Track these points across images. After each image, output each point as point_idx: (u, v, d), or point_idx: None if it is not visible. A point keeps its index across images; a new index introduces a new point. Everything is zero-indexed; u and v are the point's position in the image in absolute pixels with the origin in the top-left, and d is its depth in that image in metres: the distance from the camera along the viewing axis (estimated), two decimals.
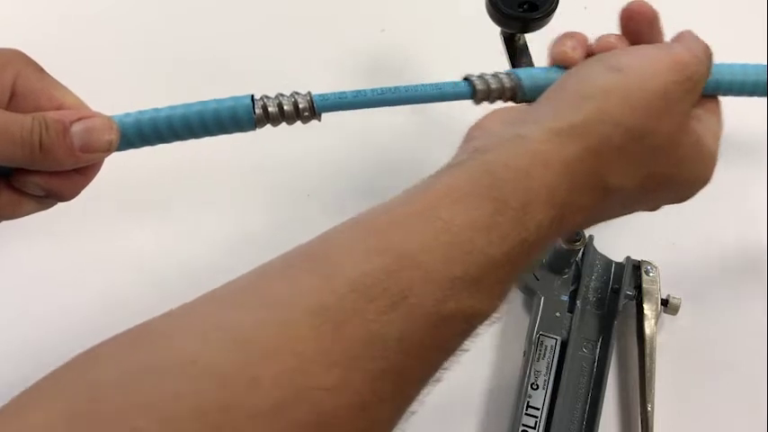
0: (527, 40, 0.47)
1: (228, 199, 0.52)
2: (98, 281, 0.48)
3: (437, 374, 0.25)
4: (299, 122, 0.32)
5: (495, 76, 0.34)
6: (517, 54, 0.47)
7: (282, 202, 0.52)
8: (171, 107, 0.31)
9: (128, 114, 0.31)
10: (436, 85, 0.34)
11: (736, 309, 0.48)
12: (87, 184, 0.31)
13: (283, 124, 0.32)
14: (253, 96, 0.32)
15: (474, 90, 0.34)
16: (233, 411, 0.21)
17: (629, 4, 0.36)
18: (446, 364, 0.25)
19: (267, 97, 0.32)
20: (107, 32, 0.60)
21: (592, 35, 0.63)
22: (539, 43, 0.47)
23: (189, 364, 0.22)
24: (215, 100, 0.32)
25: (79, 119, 0.29)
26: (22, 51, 0.31)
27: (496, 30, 0.46)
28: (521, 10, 0.44)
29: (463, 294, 0.24)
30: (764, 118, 0.56)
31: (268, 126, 0.32)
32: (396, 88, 0.33)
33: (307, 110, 0.32)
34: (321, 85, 0.57)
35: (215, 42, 0.60)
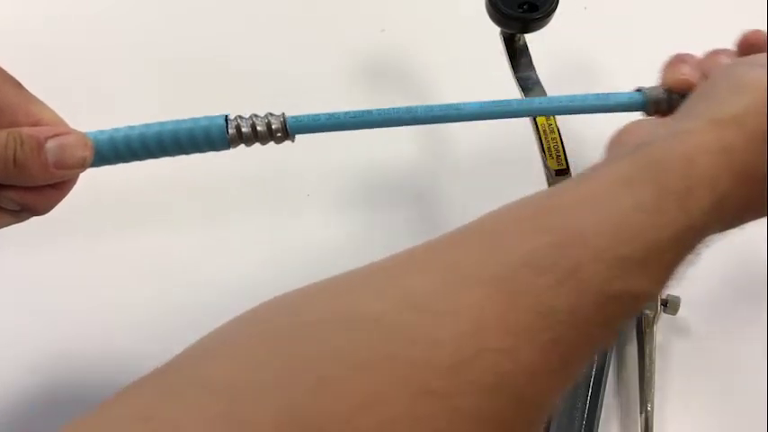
0: (527, 40, 0.47)
1: (228, 199, 0.52)
2: (100, 288, 0.48)
3: (596, 352, 0.26)
4: (272, 143, 0.33)
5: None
6: (517, 54, 0.47)
7: (282, 203, 0.52)
8: (146, 125, 0.32)
9: (102, 131, 0.32)
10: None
11: (736, 308, 0.48)
12: (62, 198, 0.32)
13: (257, 144, 0.33)
14: (227, 116, 0.32)
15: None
16: (419, 366, 0.22)
17: (747, 35, 0.38)
18: (606, 343, 0.26)
19: (241, 117, 0.32)
20: (105, 34, 0.60)
21: (592, 35, 0.63)
22: (539, 43, 0.47)
23: (374, 320, 0.23)
24: (190, 119, 0.32)
25: (54, 135, 0.30)
26: None
27: (496, 30, 0.46)
28: (521, 10, 0.44)
29: (630, 275, 0.25)
30: (764, 118, 0.56)
31: (242, 146, 0.33)
32: (369, 111, 0.33)
33: (280, 131, 0.32)
34: (321, 86, 0.57)
35: (215, 42, 0.60)
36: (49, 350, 0.45)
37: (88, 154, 0.31)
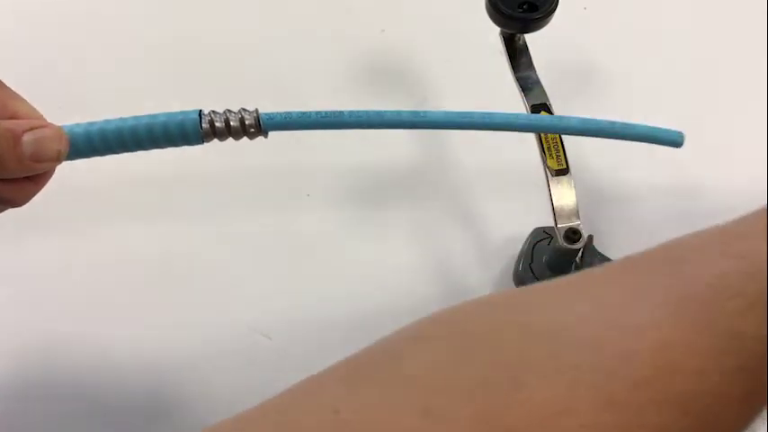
0: (527, 40, 0.47)
1: (228, 199, 0.52)
2: (92, 279, 0.48)
3: None
4: (245, 138, 0.33)
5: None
6: (517, 54, 0.47)
7: (282, 202, 0.52)
8: (121, 119, 0.32)
9: (78, 125, 0.32)
10: (379, 112, 0.34)
11: None
12: (38, 191, 0.32)
13: (230, 139, 0.33)
14: (200, 111, 0.32)
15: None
16: (607, 377, 0.22)
17: None
18: None
19: (215, 112, 0.33)
20: (101, 30, 0.60)
21: (592, 35, 0.63)
22: (539, 43, 0.47)
23: (564, 330, 0.23)
24: (165, 113, 0.32)
25: (30, 129, 0.30)
26: None
27: (496, 30, 0.46)
28: (521, 10, 0.44)
29: None
30: (764, 119, 0.56)
31: (215, 141, 0.33)
32: (341, 112, 0.34)
33: (253, 126, 0.33)
34: (321, 86, 0.57)
35: (215, 42, 0.60)
36: (32, 341, 0.45)
37: (63, 147, 0.31)
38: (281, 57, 0.59)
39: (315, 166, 0.53)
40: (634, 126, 0.37)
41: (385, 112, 0.34)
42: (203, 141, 0.33)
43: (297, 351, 0.45)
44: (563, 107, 0.46)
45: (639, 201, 0.52)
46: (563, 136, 0.44)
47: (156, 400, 0.44)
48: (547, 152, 0.43)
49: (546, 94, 0.46)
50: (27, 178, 0.31)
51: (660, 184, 0.53)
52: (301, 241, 0.50)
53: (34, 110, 0.32)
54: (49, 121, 0.32)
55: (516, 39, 0.47)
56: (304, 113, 0.33)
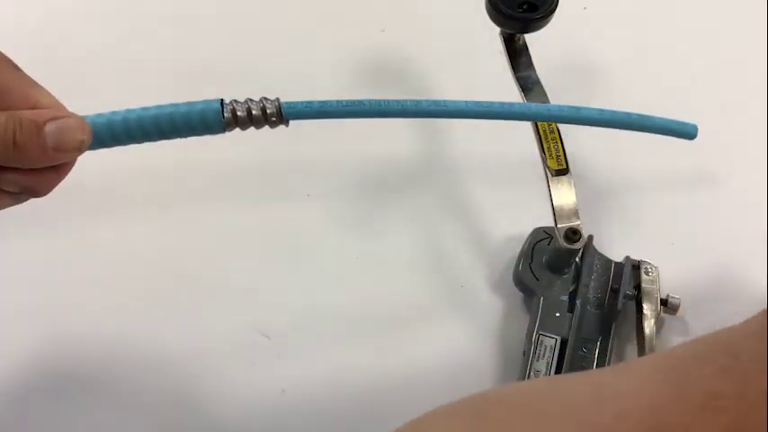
0: (527, 40, 0.47)
1: (228, 198, 0.52)
2: (91, 281, 0.48)
3: None
4: (266, 127, 0.33)
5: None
6: (517, 54, 0.47)
7: (282, 202, 0.52)
8: (143, 108, 0.32)
9: (100, 115, 0.32)
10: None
11: (736, 309, 0.47)
12: (60, 180, 0.32)
13: (233, 136, 0.33)
14: (222, 100, 0.33)
15: None
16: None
17: None
18: None
19: (236, 101, 0.33)
20: (100, 30, 0.60)
21: (592, 35, 0.63)
22: (539, 43, 0.47)
23: (570, 412, 0.27)
24: (186, 103, 0.33)
25: (53, 119, 0.30)
26: None
27: (496, 30, 0.46)
28: (520, 10, 0.44)
29: None
30: (764, 119, 0.56)
31: (237, 130, 0.33)
32: (361, 101, 0.34)
33: (274, 115, 0.33)
34: (321, 86, 0.57)
35: (214, 42, 0.60)
36: (32, 339, 0.45)
37: (86, 137, 0.31)
38: (280, 57, 0.59)
39: (315, 165, 0.53)
40: (650, 118, 0.38)
41: (405, 100, 0.34)
42: (225, 130, 0.33)
43: (297, 351, 0.45)
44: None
45: (639, 201, 0.52)
46: (563, 136, 0.44)
47: (156, 399, 0.44)
48: (547, 152, 0.43)
49: (546, 94, 0.46)
50: (49, 168, 0.31)
51: (660, 184, 0.53)
52: (301, 241, 0.50)
53: (56, 100, 0.32)
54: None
55: (516, 39, 0.47)
56: (325, 102, 0.33)
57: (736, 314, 0.48)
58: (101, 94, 0.54)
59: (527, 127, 0.44)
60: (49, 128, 0.30)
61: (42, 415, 0.43)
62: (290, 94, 0.55)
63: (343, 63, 0.59)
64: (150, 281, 0.48)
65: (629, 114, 0.37)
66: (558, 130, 0.44)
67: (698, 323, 0.47)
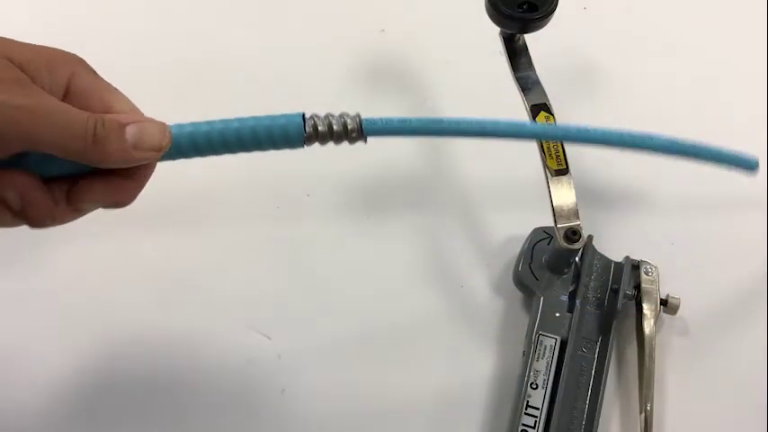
0: (527, 40, 0.47)
1: (228, 199, 0.52)
2: (92, 280, 0.48)
3: None
4: (345, 143, 0.34)
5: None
6: (517, 54, 0.47)
7: (282, 202, 0.52)
8: (224, 120, 0.33)
9: (182, 125, 0.32)
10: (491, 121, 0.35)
11: (736, 308, 0.48)
12: (140, 189, 0.33)
13: (330, 144, 0.34)
14: (303, 115, 0.33)
15: None
16: None
17: None
18: None
19: (317, 116, 0.33)
20: (105, 34, 0.60)
21: (592, 35, 0.63)
22: (539, 43, 0.47)
23: None
24: (268, 116, 0.33)
25: (135, 122, 0.31)
26: (78, 55, 0.32)
27: (496, 30, 0.46)
28: (520, 10, 0.44)
29: None
30: (764, 118, 0.56)
31: (316, 144, 0.33)
32: (441, 120, 0.34)
33: (355, 131, 0.33)
34: (321, 86, 0.57)
35: (215, 43, 0.60)
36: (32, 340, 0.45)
37: (166, 141, 0.32)
38: (281, 57, 0.59)
39: (315, 166, 0.53)
40: (713, 150, 0.39)
41: (484, 120, 0.34)
42: (305, 145, 0.33)
43: (297, 351, 0.45)
44: (562, 107, 0.46)
45: (639, 201, 0.52)
46: None
47: (156, 399, 0.44)
48: (546, 152, 0.43)
49: (546, 94, 0.46)
50: (129, 177, 0.32)
51: (660, 184, 0.53)
52: (301, 242, 0.50)
53: (132, 105, 0.32)
54: None
55: (516, 39, 0.47)
56: (404, 120, 0.34)
57: (735, 314, 0.48)
58: None
59: None
60: (131, 129, 0.30)
61: (33, 415, 0.43)
62: (291, 94, 0.56)
63: (343, 63, 0.59)
64: (150, 281, 0.48)
65: (690, 144, 0.38)
66: None
67: (698, 323, 0.47)
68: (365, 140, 0.34)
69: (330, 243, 0.50)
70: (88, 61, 0.33)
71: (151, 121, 0.32)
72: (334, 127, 0.33)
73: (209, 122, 0.33)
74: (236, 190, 0.52)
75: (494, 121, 0.34)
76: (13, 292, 0.47)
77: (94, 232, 0.49)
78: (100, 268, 0.48)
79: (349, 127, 0.33)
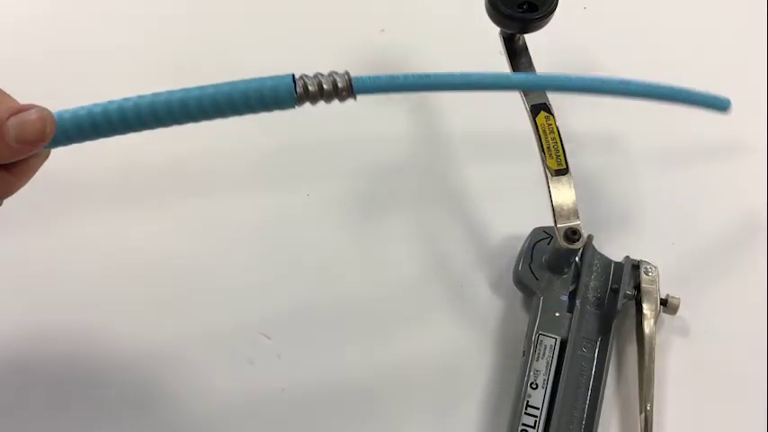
0: (527, 40, 0.47)
1: (228, 198, 0.52)
2: (91, 281, 0.48)
3: None
4: (336, 101, 0.34)
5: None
6: (517, 54, 0.47)
7: (282, 202, 0.52)
8: (216, 85, 0.32)
9: (173, 92, 0.32)
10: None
11: (736, 309, 0.48)
12: (21, 186, 0.32)
13: (321, 103, 0.34)
14: (293, 75, 0.33)
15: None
16: None
17: None
18: None
19: (307, 76, 0.33)
20: (102, 33, 0.60)
21: (592, 35, 0.63)
22: (539, 43, 0.47)
23: None
24: (257, 78, 0.33)
25: (15, 113, 0.29)
26: None
27: (496, 30, 0.46)
28: (520, 10, 0.44)
29: None
30: (764, 118, 0.56)
31: (307, 104, 0.33)
32: (427, 75, 0.35)
33: (345, 89, 0.33)
34: None
35: (214, 43, 0.60)
36: (31, 337, 0.45)
37: (49, 128, 0.30)
38: (281, 56, 0.59)
39: (315, 165, 0.53)
40: (684, 91, 0.41)
41: (471, 74, 0.35)
42: (296, 105, 0.33)
43: (297, 351, 0.45)
44: (562, 107, 0.46)
45: (639, 201, 0.52)
46: (562, 136, 0.44)
47: (156, 399, 0.44)
48: (546, 152, 0.43)
49: (546, 94, 0.46)
50: (7, 169, 0.30)
51: (660, 184, 0.53)
52: (301, 241, 0.50)
53: (15, 102, 0.31)
54: None
55: (516, 39, 0.47)
56: (392, 76, 0.34)
57: (735, 314, 0.48)
58: (97, 89, 0.54)
59: (527, 126, 0.44)
60: (11, 121, 0.29)
61: (38, 417, 0.43)
62: None
63: (342, 63, 0.58)
64: (149, 280, 0.48)
65: (665, 86, 0.39)
66: (558, 130, 0.44)
67: (698, 323, 0.47)
68: (355, 98, 0.34)
69: (330, 243, 0.50)
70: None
71: (34, 109, 0.30)
72: (325, 86, 0.33)
73: (200, 87, 0.32)
74: (235, 189, 0.52)
75: (479, 73, 0.35)
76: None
77: (86, 220, 0.50)
78: (97, 260, 0.48)
79: (339, 85, 0.33)
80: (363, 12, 0.62)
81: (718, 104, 0.45)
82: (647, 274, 0.46)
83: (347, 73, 0.33)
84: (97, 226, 0.50)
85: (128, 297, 0.47)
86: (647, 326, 0.44)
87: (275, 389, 0.44)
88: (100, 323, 0.46)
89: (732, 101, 0.44)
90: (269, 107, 0.33)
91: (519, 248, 0.47)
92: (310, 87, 0.33)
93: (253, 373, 0.45)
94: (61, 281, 0.48)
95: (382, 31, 0.61)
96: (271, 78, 0.33)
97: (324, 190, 0.52)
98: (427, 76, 0.35)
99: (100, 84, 0.56)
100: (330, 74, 0.33)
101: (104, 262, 0.48)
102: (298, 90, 0.33)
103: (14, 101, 0.31)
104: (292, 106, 0.33)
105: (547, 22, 0.44)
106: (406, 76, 0.34)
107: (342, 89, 0.33)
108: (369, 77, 0.34)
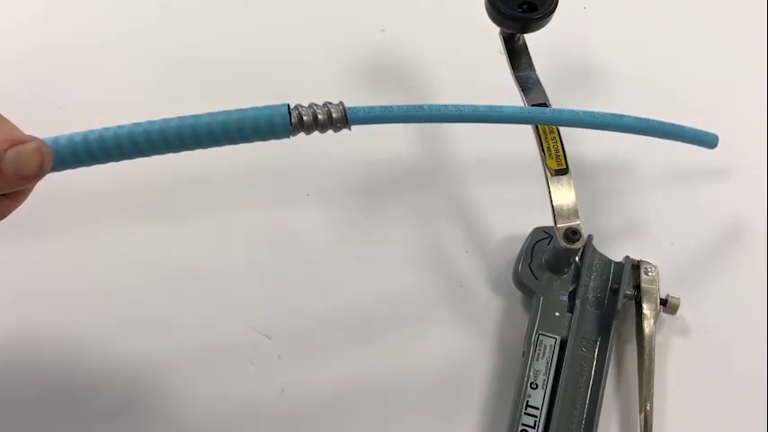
0: (527, 39, 0.47)
1: (228, 198, 0.52)
2: (94, 280, 0.48)
3: None
4: (330, 131, 0.34)
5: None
6: (517, 54, 0.47)
7: (282, 202, 0.52)
8: (211, 114, 0.33)
9: (168, 120, 0.32)
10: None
11: (736, 309, 0.48)
12: (15, 208, 0.32)
13: (315, 132, 0.34)
14: (288, 105, 0.33)
15: None
16: None
17: None
18: None
19: (301, 106, 0.34)
20: (102, 32, 0.60)
21: (592, 35, 0.63)
22: (539, 43, 0.47)
23: None
24: (253, 108, 0.33)
25: (12, 146, 0.29)
26: None
27: (496, 29, 0.46)
28: (520, 10, 0.44)
29: None
30: (764, 120, 0.56)
31: (301, 134, 0.34)
32: (421, 107, 0.35)
33: (340, 120, 0.34)
34: (321, 86, 0.57)
35: (215, 43, 0.60)
36: (31, 339, 0.45)
37: (46, 161, 0.30)
38: (280, 56, 0.59)
39: (314, 165, 0.53)
40: (677, 127, 0.43)
41: (463, 106, 0.36)
42: (290, 135, 0.34)
43: (297, 351, 0.45)
44: (563, 107, 0.46)
45: (639, 201, 0.52)
46: (563, 136, 0.44)
47: (156, 399, 0.44)
48: (546, 152, 0.43)
49: (546, 94, 0.46)
50: (4, 195, 0.31)
51: (660, 184, 0.53)
52: (301, 241, 0.50)
53: (14, 127, 0.31)
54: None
55: (516, 39, 0.47)
56: (386, 107, 0.35)
57: (735, 314, 0.48)
58: (97, 91, 0.54)
59: (528, 126, 0.44)
60: (9, 154, 0.29)
61: (32, 414, 0.43)
62: (291, 94, 0.56)
63: (342, 63, 0.59)
64: (149, 281, 0.48)
65: (656, 122, 0.41)
66: (558, 130, 0.44)
67: (698, 323, 0.47)
68: (349, 128, 0.34)
69: (330, 243, 0.50)
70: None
71: (30, 141, 0.30)
72: (319, 116, 0.33)
73: (194, 116, 0.33)
74: (235, 189, 0.52)
75: (472, 106, 0.36)
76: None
77: (87, 226, 0.50)
78: (97, 261, 0.48)
79: (334, 116, 0.34)
80: (363, 12, 0.62)
81: (707, 141, 0.47)
82: (646, 274, 0.46)
83: (341, 103, 0.34)
84: (98, 231, 0.50)
85: (128, 298, 0.47)
86: (647, 326, 0.44)
87: (275, 389, 0.44)
88: (100, 324, 0.46)
89: (719, 136, 0.47)
90: (264, 137, 0.33)
91: (519, 248, 0.47)
92: (305, 117, 0.33)
93: (253, 373, 0.45)
94: (62, 285, 0.48)
95: (382, 31, 0.61)
96: (266, 108, 0.33)
97: (324, 190, 0.52)
98: (421, 107, 0.35)
99: (100, 84, 0.56)
100: (325, 104, 0.34)
101: (105, 264, 0.48)
102: (293, 120, 0.33)
103: (13, 127, 0.31)
104: (287, 136, 0.34)
105: (547, 22, 0.44)
106: (400, 107, 0.35)
107: (336, 120, 0.34)
108: (363, 108, 0.34)
